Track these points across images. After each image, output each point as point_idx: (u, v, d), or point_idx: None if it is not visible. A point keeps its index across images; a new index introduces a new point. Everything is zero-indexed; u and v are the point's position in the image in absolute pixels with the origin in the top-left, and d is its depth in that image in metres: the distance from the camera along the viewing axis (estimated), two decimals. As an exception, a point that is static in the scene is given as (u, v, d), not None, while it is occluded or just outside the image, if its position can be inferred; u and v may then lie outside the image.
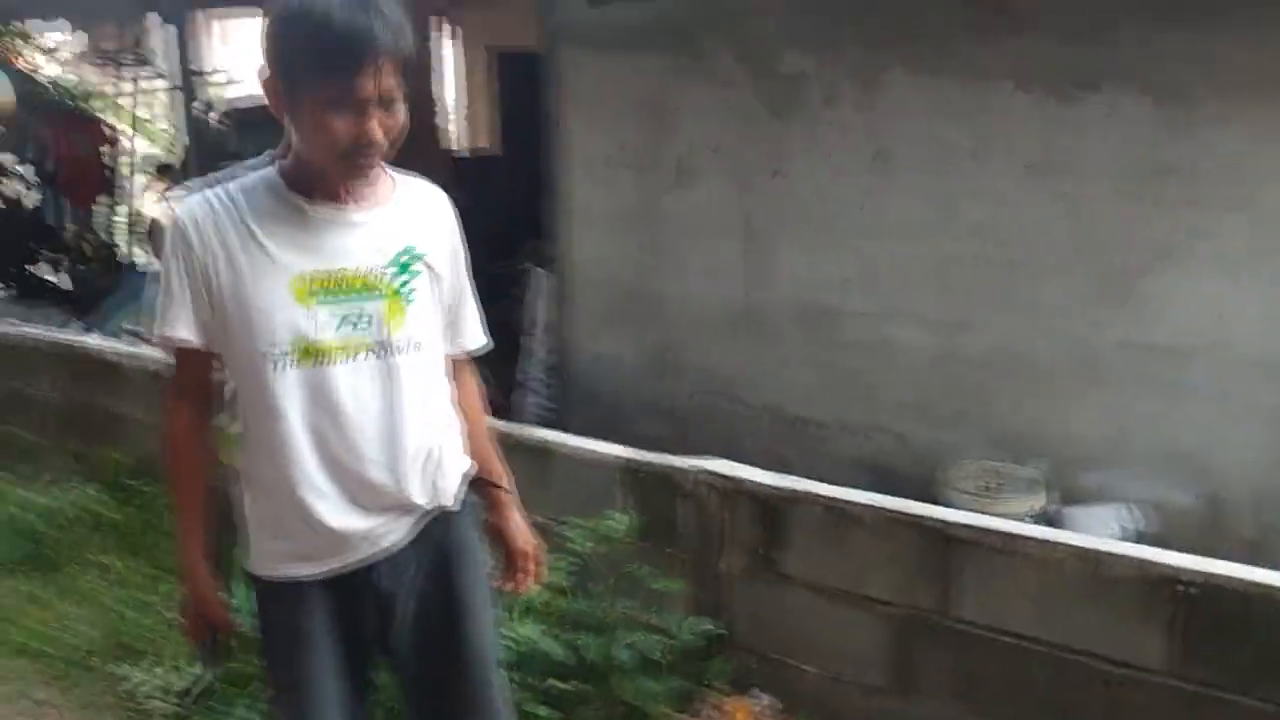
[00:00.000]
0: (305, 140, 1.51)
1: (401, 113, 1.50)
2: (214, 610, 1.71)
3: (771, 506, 2.59)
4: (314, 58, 1.42)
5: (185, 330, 1.56)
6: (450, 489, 1.72)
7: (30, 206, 8.61)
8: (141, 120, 9.39)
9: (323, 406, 1.56)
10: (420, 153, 5.35)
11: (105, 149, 8.45)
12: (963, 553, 2.33)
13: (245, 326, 1.54)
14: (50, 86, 9.33)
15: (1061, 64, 3.42)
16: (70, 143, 7.98)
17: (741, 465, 2.70)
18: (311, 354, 1.55)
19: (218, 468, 1.71)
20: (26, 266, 8.50)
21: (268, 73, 1.49)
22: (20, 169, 8.41)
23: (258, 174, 1.60)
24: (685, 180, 4.35)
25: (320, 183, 1.55)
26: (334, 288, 1.55)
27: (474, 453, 1.81)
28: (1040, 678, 2.26)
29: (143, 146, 9.90)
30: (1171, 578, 2.10)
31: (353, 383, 1.57)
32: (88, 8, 7.77)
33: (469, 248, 1.73)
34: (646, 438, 3.43)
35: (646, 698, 2.49)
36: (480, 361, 1.87)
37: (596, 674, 2.50)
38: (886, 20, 3.77)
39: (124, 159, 8.71)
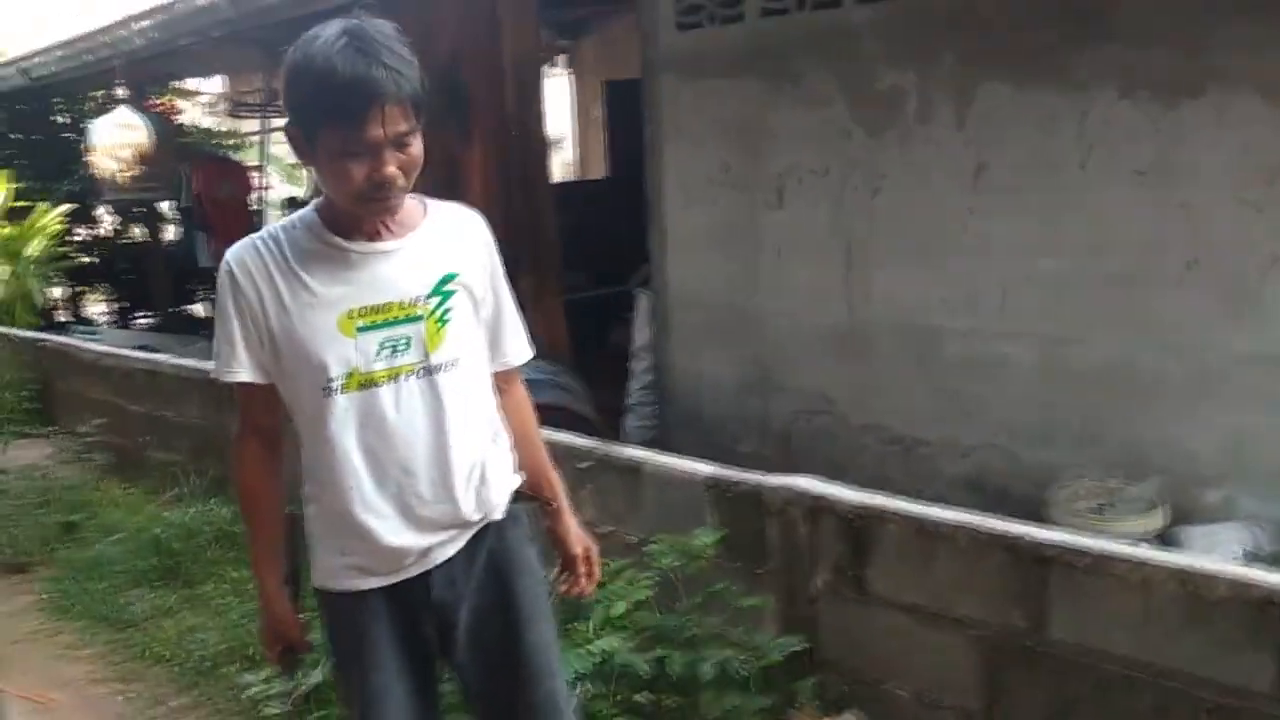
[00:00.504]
0: (326, 185, 1.61)
1: (417, 147, 1.57)
2: (290, 631, 1.82)
3: (858, 524, 2.57)
4: (321, 108, 1.50)
5: (244, 371, 1.67)
6: (498, 501, 1.78)
7: (174, 242, 9.23)
8: (278, 160, 9.99)
9: (373, 429, 1.65)
10: (526, 184, 5.53)
11: (246, 188, 9.01)
12: (1056, 573, 2.26)
13: (296, 361, 1.64)
14: (192, 130, 10.03)
15: (1165, 68, 3.29)
16: (212, 183, 8.54)
17: (828, 482, 2.69)
18: (359, 380, 1.64)
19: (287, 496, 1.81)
20: (182, 305, 9.14)
21: (287, 121, 1.59)
22: (165, 208, 9.05)
23: (298, 216, 1.71)
24: (783, 200, 4.36)
25: (352, 221, 1.64)
26: (377, 318, 1.64)
27: (526, 463, 1.88)
28: (1139, 705, 2.17)
29: (280, 185, 10.52)
30: (1272, 599, 1.99)
31: (399, 403, 1.66)
32: (233, 63, 8.33)
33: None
34: (748, 458, 3.45)
35: (734, 715, 2.50)
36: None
37: (681, 689, 2.52)
38: (983, 33, 3.70)
39: (263, 197, 9.27)
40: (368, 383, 1.64)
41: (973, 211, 3.83)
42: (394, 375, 1.65)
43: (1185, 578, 2.08)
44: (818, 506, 2.63)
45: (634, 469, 3.05)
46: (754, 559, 2.75)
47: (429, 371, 1.67)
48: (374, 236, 1.65)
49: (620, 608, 2.62)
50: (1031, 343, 3.75)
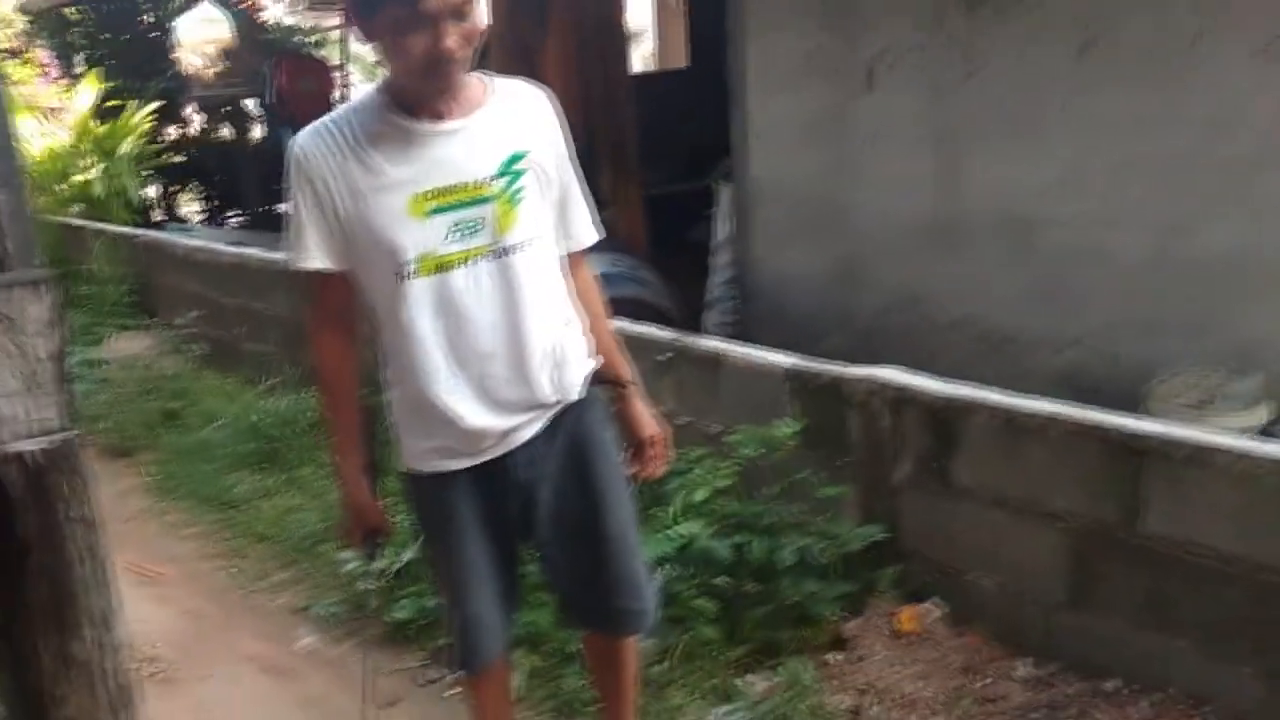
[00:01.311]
0: (388, 61, 1.58)
1: (479, 18, 1.53)
2: (370, 516, 1.86)
3: (944, 416, 2.51)
4: None
5: (318, 258, 1.67)
6: (574, 382, 1.79)
7: (260, 140, 9.35)
8: (360, 59, 9.98)
9: (448, 313, 1.65)
10: (604, 76, 5.41)
11: (327, 85, 9.04)
12: (1151, 464, 2.19)
13: (369, 246, 1.64)
14: (275, 27, 10.05)
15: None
16: (294, 79, 8.58)
17: (913, 373, 2.63)
18: (432, 264, 1.63)
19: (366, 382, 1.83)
20: (271, 204, 9.28)
21: (348, 2, 1.56)
22: (250, 106, 9.14)
23: (364, 98, 1.69)
24: (873, 85, 4.17)
25: (416, 99, 1.61)
26: (447, 198, 1.62)
27: (596, 348, 1.86)
28: (1234, 598, 2.11)
29: (361, 84, 10.52)
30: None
31: (473, 286, 1.65)
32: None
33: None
34: (831, 354, 3.39)
35: (814, 600, 2.52)
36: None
37: (760, 575, 2.55)
38: (1095, -106, 3.43)
39: (345, 95, 9.30)
40: (441, 266, 1.64)
41: (1077, 91, 3.61)
42: (467, 258, 1.64)
43: (1293, 470, 1.99)
44: (902, 397, 2.58)
45: (713, 360, 3.02)
46: (835, 450, 2.72)
47: (501, 253, 1.66)
48: (438, 116, 1.63)
49: (701, 494, 2.64)
50: (1136, 230, 3.56)
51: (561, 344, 1.76)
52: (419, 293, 1.64)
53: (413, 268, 1.63)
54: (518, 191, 1.66)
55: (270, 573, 3.28)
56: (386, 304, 1.68)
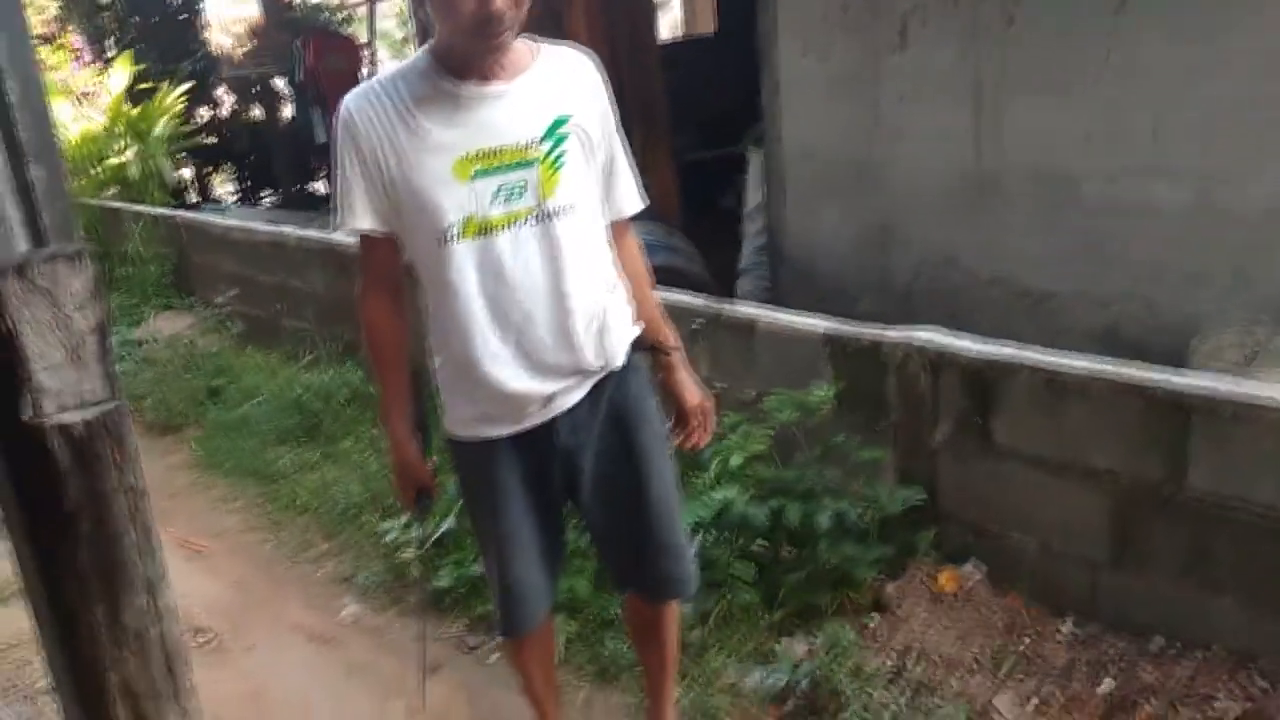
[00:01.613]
0: (437, 21, 1.57)
1: None
2: (419, 473, 1.87)
3: (983, 375, 2.48)
4: None
5: (365, 218, 1.68)
6: (618, 349, 1.78)
7: (291, 119, 9.39)
8: (386, 35, 9.97)
9: (492, 276, 1.65)
10: (632, 42, 5.35)
11: (355, 62, 9.05)
12: (1197, 420, 2.15)
13: (414, 208, 1.64)
14: (301, 4, 10.06)
15: None
16: (321, 57, 8.59)
17: (951, 332, 2.60)
18: (476, 227, 1.63)
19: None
20: (304, 183, 9.35)
21: None
22: (280, 85, 9.18)
23: (412, 60, 1.69)
24: (906, 41, 4.09)
25: (463, 63, 1.61)
26: (491, 161, 1.62)
27: (640, 315, 1.86)
28: (1283, 554, 2.08)
29: (387, 61, 10.53)
30: None
31: (517, 250, 1.65)
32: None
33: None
34: (867, 317, 3.35)
35: (852, 563, 2.51)
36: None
37: (798, 539, 2.54)
38: None
39: (372, 72, 9.31)
40: (484, 229, 1.64)
41: (1118, 38, 3.52)
42: (510, 221, 1.64)
43: (1344, 423, 1.95)
44: (940, 358, 2.55)
45: (748, 326, 3.00)
46: (872, 413, 2.70)
47: (544, 218, 1.66)
48: (485, 78, 1.62)
49: (738, 459, 2.63)
50: (1179, 181, 3.48)
51: (604, 309, 1.75)
52: (462, 256, 1.65)
53: (456, 231, 1.63)
54: (561, 155, 1.66)
55: (313, 544, 3.33)
56: (430, 267, 1.69)
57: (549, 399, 1.75)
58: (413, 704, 2.39)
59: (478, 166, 1.62)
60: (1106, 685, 2.20)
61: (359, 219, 1.68)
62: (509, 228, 1.65)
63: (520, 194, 1.64)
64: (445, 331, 1.73)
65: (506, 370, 1.70)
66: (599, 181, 1.76)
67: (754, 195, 4.98)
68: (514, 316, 1.68)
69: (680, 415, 1.95)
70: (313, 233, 4.79)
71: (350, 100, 1.65)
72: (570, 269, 1.68)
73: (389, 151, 1.63)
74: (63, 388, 1.22)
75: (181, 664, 1.34)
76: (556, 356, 1.71)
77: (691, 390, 1.94)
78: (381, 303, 1.79)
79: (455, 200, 1.62)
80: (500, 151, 1.63)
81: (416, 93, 1.63)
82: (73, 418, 1.21)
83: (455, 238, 1.64)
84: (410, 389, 1.84)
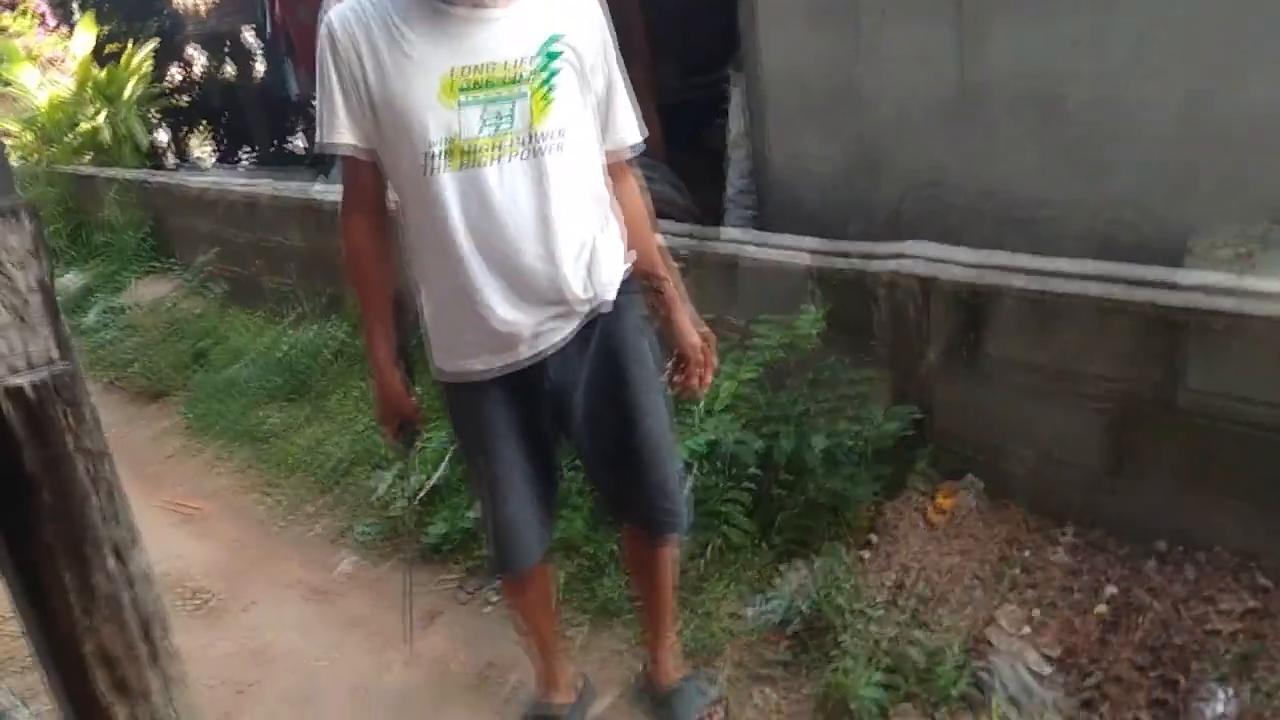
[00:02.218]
0: None
1: None
2: (402, 403, 1.83)
3: (974, 290, 2.43)
4: None
5: (346, 134, 1.61)
6: (608, 283, 1.73)
7: (264, 76, 9.18)
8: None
9: (477, 205, 1.59)
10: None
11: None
12: (1190, 326, 2.11)
13: (397, 126, 1.57)
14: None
15: None
16: (291, 9, 8.36)
17: (940, 245, 2.54)
18: (461, 153, 1.56)
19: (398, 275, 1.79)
20: (282, 140, 9.16)
21: None
22: (250, 39, 8.96)
23: None
24: (884, -46, 3.96)
25: None
26: (479, 83, 1.55)
27: (638, 251, 1.81)
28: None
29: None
30: None
31: (505, 181, 1.59)
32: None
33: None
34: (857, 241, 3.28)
35: (847, 489, 2.48)
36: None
37: (793, 469, 2.51)
38: None
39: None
40: (471, 157, 1.57)
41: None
42: (498, 151, 1.58)
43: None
44: (931, 273, 2.50)
45: (733, 255, 2.95)
46: (862, 336, 2.66)
47: (534, 148, 1.59)
48: (478, 2, 1.55)
49: (728, 389, 2.59)
50: (1171, 82, 3.38)
51: (595, 242, 1.70)
52: (447, 187, 1.59)
53: (440, 153, 1.57)
54: (553, 77, 1.59)
55: (306, 501, 3.31)
56: (414, 194, 1.63)
57: (537, 333, 1.70)
58: (408, 654, 2.38)
59: (465, 85, 1.55)
60: (1109, 592, 2.19)
61: (340, 134, 1.61)
62: (496, 161, 1.58)
63: (509, 119, 1.57)
64: (429, 263, 1.68)
65: (493, 300, 1.65)
66: (595, 112, 1.70)
67: (736, 124, 4.87)
68: (500, 246, 1.62)
69: (680, 356, 1.90)
70: (289, 187, 4.70)
71: (334, 12, 1.58)
72: (559, 200, 1.62)
73: (371, 66, 1.56)
74: (12, 349, 1.17)
75: (159, 628, 1.30)
76: (544, 287, 1.66)
77: (691, 331, 1.88)
78: (363, 225, 1.72)
79: (440, 120, 1.55)
80: (490, 70, 1.55)
81: (405, 11, 1.55)
82: (21, 380, 1.17)
83: (440, 168, 1.57)
84: (394, 317, 1.79)
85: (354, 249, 1.74)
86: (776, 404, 2.61)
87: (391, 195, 1.72)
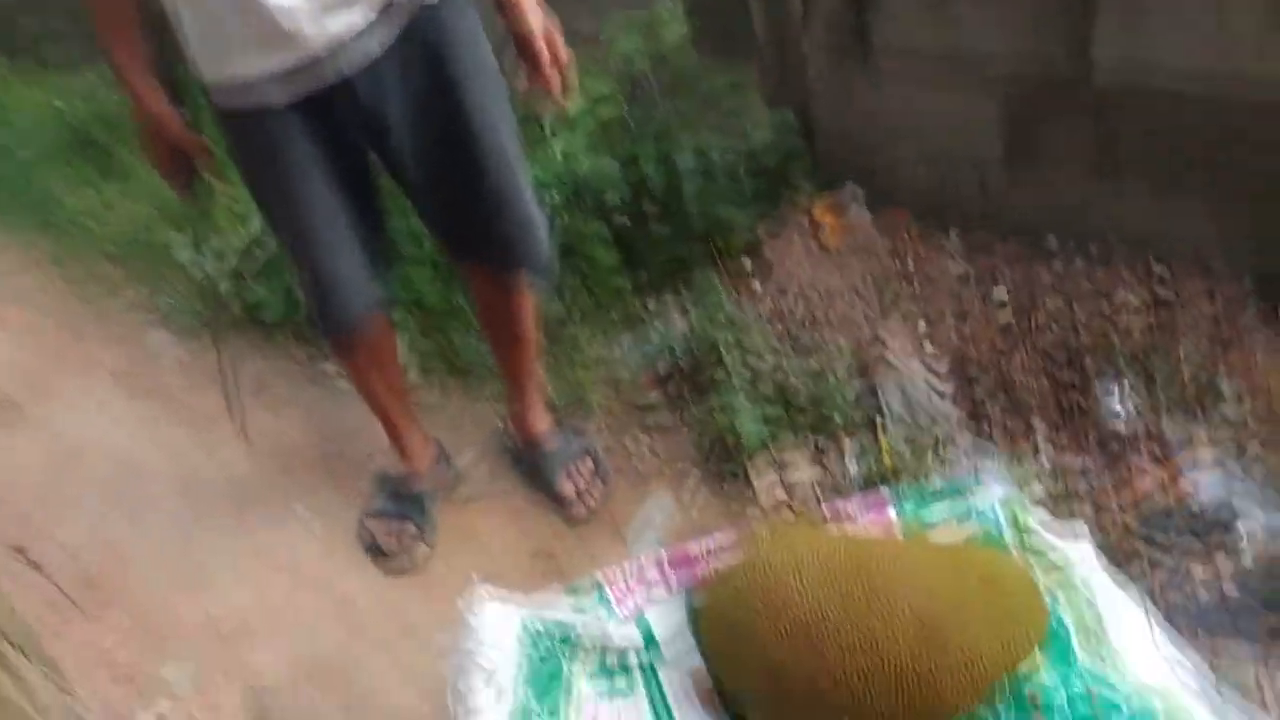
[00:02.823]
0: None
1: None
2: (170, 127, 1.48)
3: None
4: None
5: None
6: None
7: None
8: None
9: None
10: None
11: None
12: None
13: None
14: None
15: None
16: None
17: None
18: None
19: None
20: None
21: None
22: None
23: None
24: None
25: None
26: None
27: None
28: (1187, 126, 1.84)
29: None
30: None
31: None
32: None
33: None
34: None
35: (720, 209, 2.22)
36: None
37: (662, 192, 2.21)
38: None
39: None
40: None
41: None
42: None
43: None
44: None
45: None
46: (730, 31, 2.30)
47: None
48: None
49: (578, 104, 2.22)
50: None
51: None
52: None
53: None
54: None
55: (106, 275, 2.87)
56: None
57: (323, 22, 1.34)
58: (236, 431, 2.10)
59: None
60: (1000, 292, 2.05)
61: None
62: None
63: None
64: None
65: None
66: None
67: None
68: None
69: (519, 46, 1.50)
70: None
71: None
72: None
73: None
74: None
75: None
76: None
77: (533, 12, 1.48)
78: None
79: None
80: None
81: None
82: None
83: None
84: (148, 33, 1.44)
85: None
86: (635, 114, 2.27)
87: None
